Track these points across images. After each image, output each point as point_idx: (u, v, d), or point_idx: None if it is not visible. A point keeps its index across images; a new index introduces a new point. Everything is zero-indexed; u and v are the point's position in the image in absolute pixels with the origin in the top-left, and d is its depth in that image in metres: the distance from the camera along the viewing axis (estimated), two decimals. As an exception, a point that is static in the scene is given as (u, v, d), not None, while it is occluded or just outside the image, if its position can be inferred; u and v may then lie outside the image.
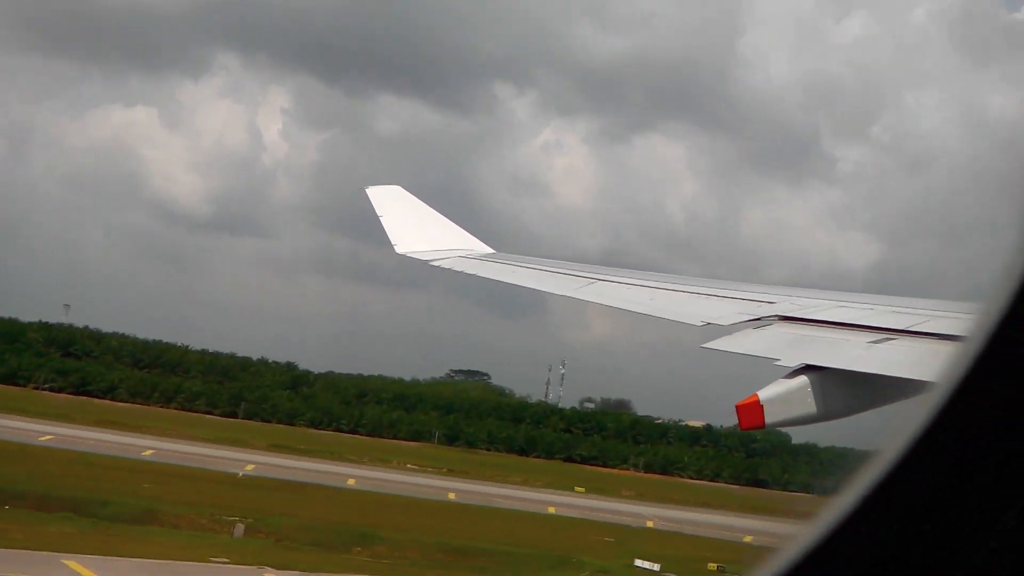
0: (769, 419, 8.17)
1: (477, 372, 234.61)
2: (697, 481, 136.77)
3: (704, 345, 9.81)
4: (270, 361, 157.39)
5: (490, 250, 17.57)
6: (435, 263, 16.85)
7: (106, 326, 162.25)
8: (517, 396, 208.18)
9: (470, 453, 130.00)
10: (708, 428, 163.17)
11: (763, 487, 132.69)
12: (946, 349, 8.08)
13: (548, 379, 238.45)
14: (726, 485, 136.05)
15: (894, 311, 9.39)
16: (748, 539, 68.31)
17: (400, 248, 17.63)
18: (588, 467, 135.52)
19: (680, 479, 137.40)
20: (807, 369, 8.32)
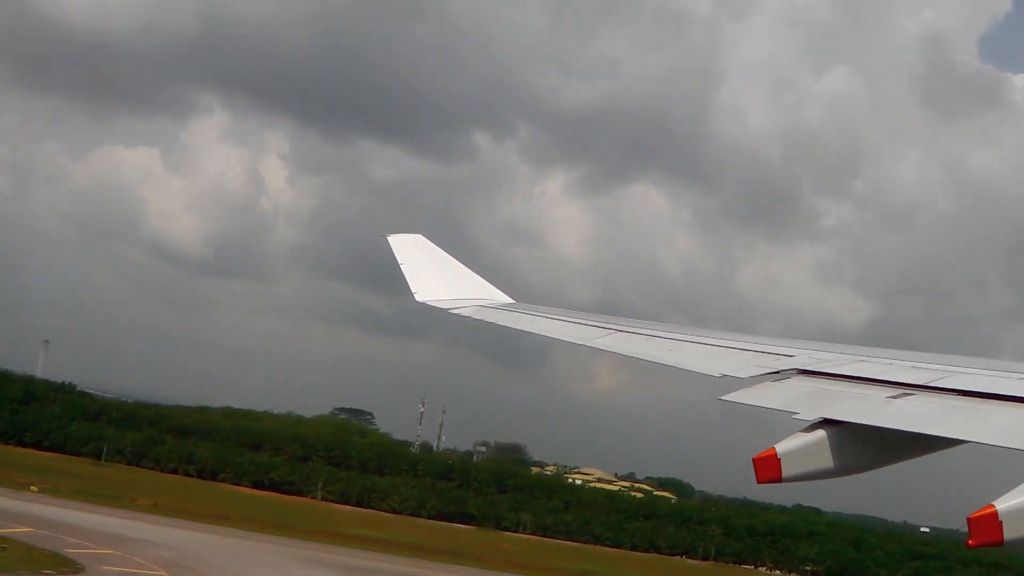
0: (786, 472, 8.11)
1: (361, 412, 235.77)
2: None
3: (722, 397, 9.76)
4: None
5: (509, 300, 17.62)
6: (454, 311, 16.91)
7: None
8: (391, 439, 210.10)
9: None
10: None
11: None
12: (965, 405, 8.03)
13: (441, 421, 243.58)
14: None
15: (913, 366, 9.33)
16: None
17: (420, 296, 17.71)
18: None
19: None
20: (825, 423, 8.27)
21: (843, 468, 8.17)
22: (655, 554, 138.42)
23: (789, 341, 11.66)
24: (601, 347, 13.23)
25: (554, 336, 14.50)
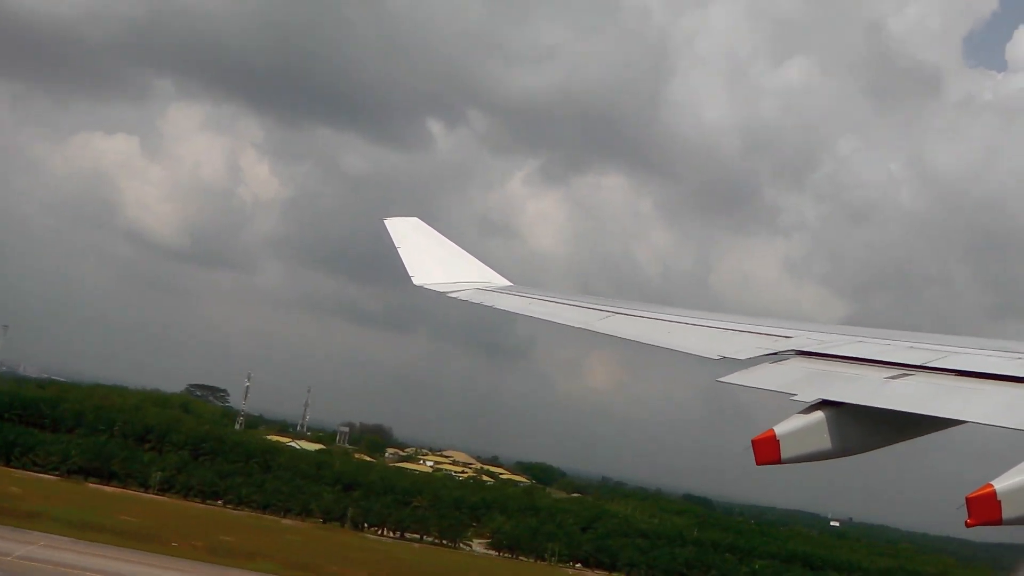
0: (785, 454, 8.13)
1: (216, 389, 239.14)
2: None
3: (721, 379, 9.79)
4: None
5: (507, 282, 17.62)
6: (452, 295, 16.91)
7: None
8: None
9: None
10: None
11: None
12: (963, 385, 8.06)
13: (307, 400, 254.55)
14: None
15: (911, 347, 9.36)
16: None
17: (417, 280, 17.71)
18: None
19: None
20: (824, 404, 8.30)
21: (842, 449, 8.20)
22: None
23: (787, 322, 11.68)
24: (601, 331, 13.24)
25: (553, 320, 14.50)
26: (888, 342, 9.76)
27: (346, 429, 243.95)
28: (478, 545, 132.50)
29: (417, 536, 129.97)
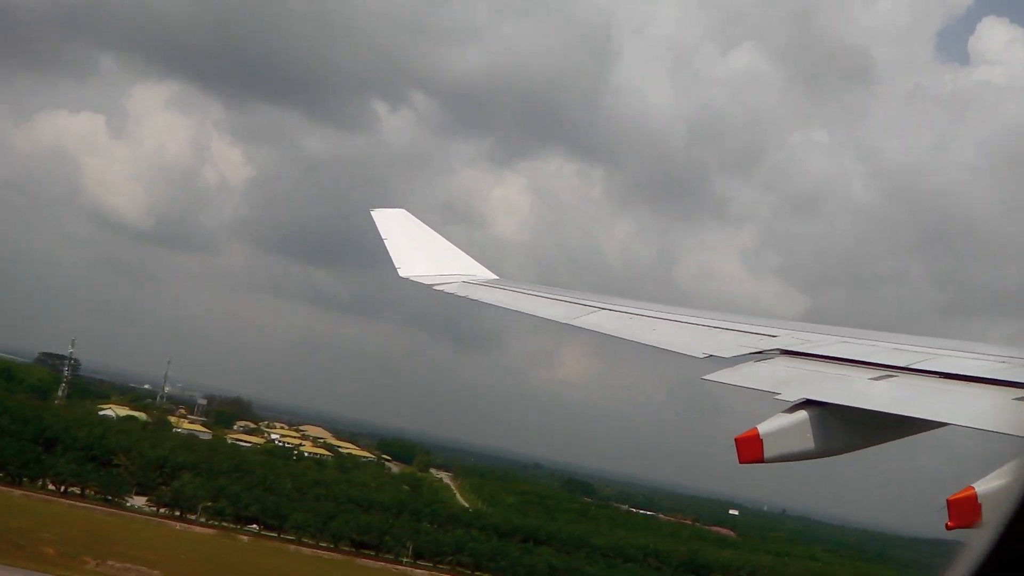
0: (768, 453, 8.13)
1: (63, 357, 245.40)
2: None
3: (705, 377, 9.80)
4: None
5: (493, 276, 17.59)
6: (438, 287, 16.87)
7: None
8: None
9: None
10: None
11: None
12: (946, 388, 8.08)
13: (166, 372, 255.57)
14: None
15: (896, 348, 9.38)
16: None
17: (403, 272, 17.66)
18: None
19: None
20: (808, 404, 8.30)
21: (825, 449, 8.22)
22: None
23: (772, 321, 11.69)
24: (584, 326, 13.23)
25: (538, 314, 14.49)
26: (873, 343, 9.78)
27: (204, 401, 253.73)
28: (146, 504, 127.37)
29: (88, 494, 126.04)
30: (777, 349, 10.07)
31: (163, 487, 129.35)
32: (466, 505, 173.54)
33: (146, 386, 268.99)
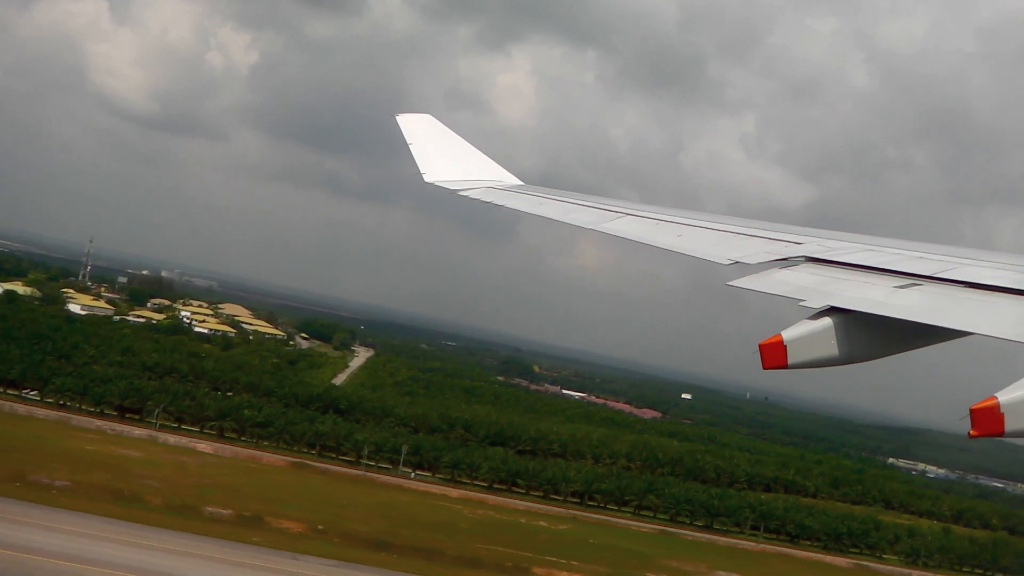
0: (792, 359, 8.23)
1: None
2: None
3: (730, 283, 9.86)
4: None
5: (518, 181, 17.60)
6: (463, 193, 16.91)
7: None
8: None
9: None
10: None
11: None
12: (971, 297, 8.14)
13: (87, 251, 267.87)
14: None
15: (921, 257, 9.42)
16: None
17: (428, 176, 17.68)
18: None
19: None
20: (832, 311, 8.38)
21: (848, 356, 8.31)
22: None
23: (798, 228, 11.73)
24: (611, 231, 13.29)
25: (563, 220, 14.53)
26: (898, 251, 9.82)
27: (124, 279, 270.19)
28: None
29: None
30: (802, 256, 10.12)
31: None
32: (336, 383, 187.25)
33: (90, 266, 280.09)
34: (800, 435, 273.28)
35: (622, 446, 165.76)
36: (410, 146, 18.20)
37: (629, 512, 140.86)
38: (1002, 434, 6.52)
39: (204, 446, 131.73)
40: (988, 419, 6.54)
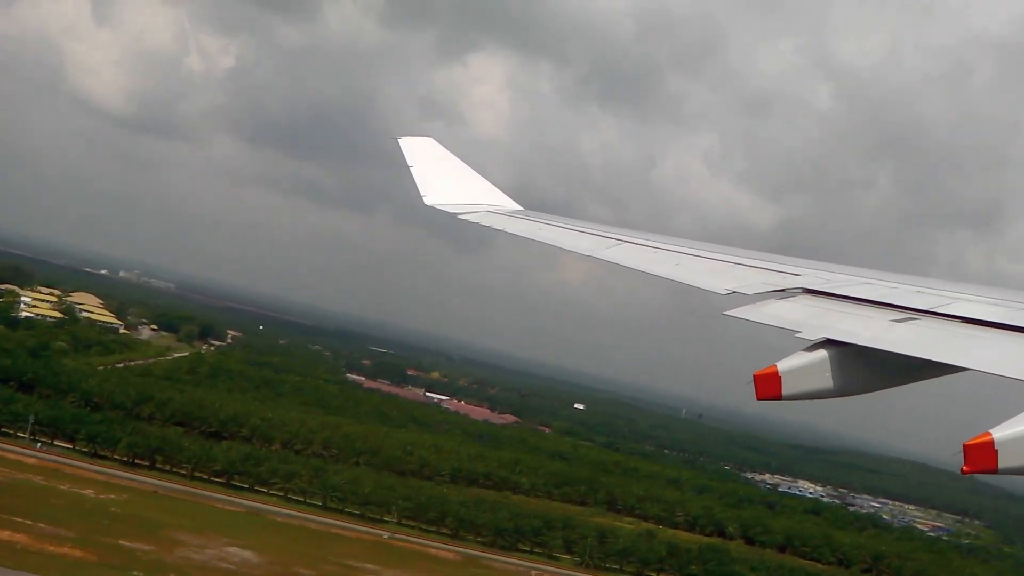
0: (786, 391, 8.20)
1: None
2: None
3: (727, 313, 9.85)
4: None
5: (517, 206, 17.63)
6: (463, 216, 16.93)
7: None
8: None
9: None
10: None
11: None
12: (968, 332, 8.13)
13: None
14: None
15: (918, 291, 9.42)
16: None
17: (429, 199, 17.71)
18: None
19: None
20: (828, 343, 8.36)
21: (843, 389, 8.28)
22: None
23: (795, 260, 11.73)
24: (608, 259, 13.30)
25: (562, 246, 14.56)
26: (895, 285, 9.82)
27: None
28: None
29: None
30: (800, 287, 10.12)
31: None
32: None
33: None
34: (696, 451, 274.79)
35: (330, 434, 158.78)
36: (411, 168, 18.25)
37: (277, 495, 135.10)
38: (995, 471, 6.48)
39: None
40: (982, 455, 6.50)
